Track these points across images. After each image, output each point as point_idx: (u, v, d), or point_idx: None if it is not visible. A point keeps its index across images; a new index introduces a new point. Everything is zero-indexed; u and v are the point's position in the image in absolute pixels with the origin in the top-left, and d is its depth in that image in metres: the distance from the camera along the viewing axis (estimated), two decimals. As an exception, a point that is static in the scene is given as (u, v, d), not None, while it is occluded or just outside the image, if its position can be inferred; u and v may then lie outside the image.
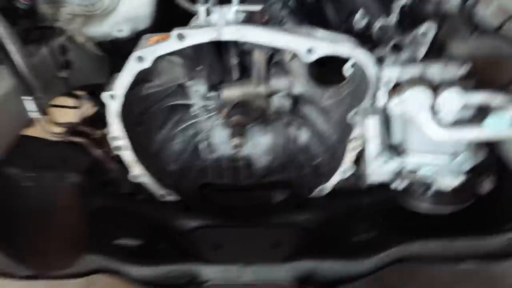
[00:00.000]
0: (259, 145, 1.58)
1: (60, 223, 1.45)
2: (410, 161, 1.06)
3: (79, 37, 1.80)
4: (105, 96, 1.17)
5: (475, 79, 1.07)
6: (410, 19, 1.49)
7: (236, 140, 1.25)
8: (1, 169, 1.42)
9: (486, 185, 1.15)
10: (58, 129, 1.53)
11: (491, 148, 1.17)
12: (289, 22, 1.43)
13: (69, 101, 1.83)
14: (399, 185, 1.10)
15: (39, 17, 1.71)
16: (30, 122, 1.46)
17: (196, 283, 1.41)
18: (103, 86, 1.59)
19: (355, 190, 1.47)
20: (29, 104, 1.39)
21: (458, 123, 0.94)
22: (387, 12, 1.68)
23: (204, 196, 1.56)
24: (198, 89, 1.33)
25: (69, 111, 1.85)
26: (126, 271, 1.38)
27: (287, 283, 1.38)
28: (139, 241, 1.43)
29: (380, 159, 1.04)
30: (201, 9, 1.02)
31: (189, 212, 1.46)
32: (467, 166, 1.02)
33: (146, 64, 1.09)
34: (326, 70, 1.36)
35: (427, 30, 1.18)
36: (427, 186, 1.06)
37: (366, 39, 1.28)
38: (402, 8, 1.51)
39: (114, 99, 1.17)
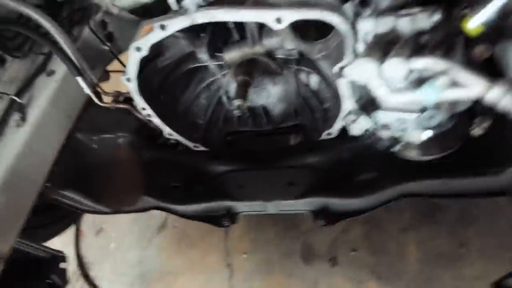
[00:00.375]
0: (272, 94, 1.69)
1: (123, 173, 1.85)
2: (382, 117, 1.10)
3: (114, 9, 2.01)
4: (122, 79, 1.40)
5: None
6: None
7: (236, 102, 1.40)
8: (73, 135, 1.83)
9: (478, 129, 1.14)
10: (109, 98, 1.85)
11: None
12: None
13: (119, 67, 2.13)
14: (372, 139, 1.16)
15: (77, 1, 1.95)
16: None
17: (230, 214, 1.73)
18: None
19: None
20: (81, 82, 1.71)
21: (420, 82, 0.95)
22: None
23: (230, 143, 1.79)
24: (200, 56, 1.47)
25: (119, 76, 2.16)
26: (175, 209, 1.75)
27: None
28: (182, 185, 1.77)
29: (350, 117, 1.11)
30: (170, 1, 1.13)
31: (216, 160, 1.72)
32: (435, 121, 1.03)
33: (144, 52, 1.27)
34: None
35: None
36: (395, 141, 1.10)
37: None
38: None
39: (130, 81, 1.40)
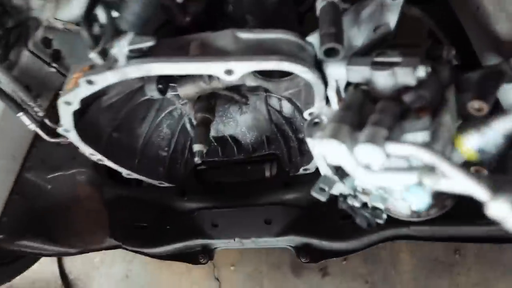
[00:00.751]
0: (240, 123, 1.49)
1: (84, 213, 1.68)
2: (360, 183, 0.92)
3: (57, 23, 1.74)
4: (59, 130, 1.19)
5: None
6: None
7: (196, 147, 1.21)
8: (22, 175, 1.63)
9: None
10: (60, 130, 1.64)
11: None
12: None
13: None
14: (346, 208, 0.98)
15: (14, 11, 1.67)
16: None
17: (207, 250, 1.58)
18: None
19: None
20: (24, 119, 1.49)
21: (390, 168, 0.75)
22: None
23: (199, 175, 1.60)
24: (151, 94, 1.26)
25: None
26: (143, 252, 1.59)
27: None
28: (149, 225, 1.60)
29: (320, 187, 0.93)
30: (92, 56, 0.90)
31: (185, 196, 1.55)
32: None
33: (75, 105, 1.06)
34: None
35: None
36: (379, 212, 0.93)
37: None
38: None
39: (68, 132, 1.19)
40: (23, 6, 1.64)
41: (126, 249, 1.65)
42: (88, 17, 0.88)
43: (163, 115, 1.53)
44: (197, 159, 1.22)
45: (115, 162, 1.39)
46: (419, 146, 0.66)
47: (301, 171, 1.38)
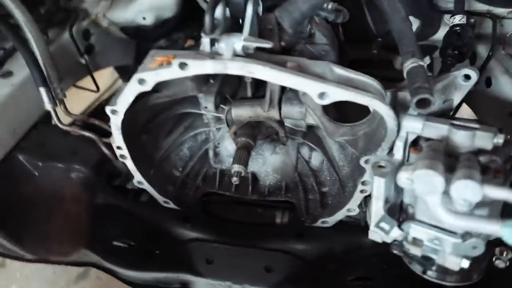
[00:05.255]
0: (268, 163, 1.51)
1: (63, 214, 1.49)
2: (415, 230, 0.96)
3: (103, 21, 1.75)
4: (107, 109, 1.13)
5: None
6: (457, 47, 1.33)
7: (236, 167, 1.19)
8: (13, 154, 1.45)
9: (501, 262, 1.03)
10: (71, 120, 1.54)
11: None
12: (318, 33, 1.31)
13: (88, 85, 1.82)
14: (399, 252, 1.01)
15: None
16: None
17: (185, 291, 1.43)
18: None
19: (360, 227, 1.40)
20: (44, 95, 1.38)
21: (473, 213, 0.82)
22: (433, 29, 1.51)
23: (206, 206, 1.53)
24: (206, 105, 1.26)
25: (86, 96, 1.85)
26: (118, 273, 1.41)
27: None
28: (136, 244, 1.45)
29: (380, 226, 0.95)
30: (205, 40, 0.93)
31: (187, 223, 1.45)
32: (477, 252, 0.91)
33: (148, 86, 1.03)
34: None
35: (469, 74, 1.04)
36: (429, 263, 0.96)
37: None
38: (452, 28, 1.34)
39: (115, 114, 1.13)
40: (76, -3, 1.66)
41: (96, 266, 1.45)
42: (215, 5, 0.92)
43: (188, 135, 1.51)
44: (235, 180, 1.19)
45: (136, 164, 1.31)
46: (515, 192, 0.73)
47: (319, 223, 1.38)
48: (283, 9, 0.89)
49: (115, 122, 1.16)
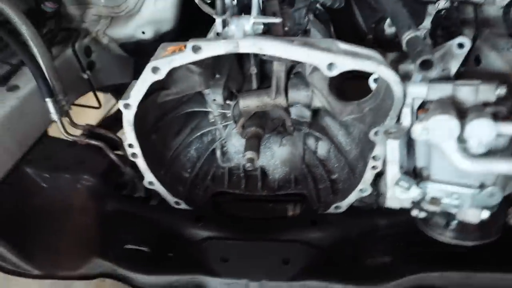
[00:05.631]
0: (276, 156, 1.53)
1: (72, 225, 1.46)
2: (433, 189, 0.98)
3: (104, 38, 1.81)
4: (120, 104, 1.16)
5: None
6: (445, 27, 1.42)
7: (249, 154, 1.21)
8: (20, 167, 1.44)
9: (516, 219, 1.05)
10: (77, 131, 1.54)
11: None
12: (313, 29, 1.38)
13: (91, 101, 1.85)
14: (419, 214, 1.02)
15: (65, 18, 1.73)
16: (51, 123, 1.49)
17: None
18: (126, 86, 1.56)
19: (374, 209, 1.41)
20: (50, 106, 1.41)
21: (489, 154, 0.86)
22: (420, 19, 1.62)
23: (217, 205, 1.53)
24: (215, 98, 1.30)
25: (91, 110, 1.87)
26: (133, 279, 1.37)
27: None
28: (149, 248, 1.42)
29: (398, 187, 0.97)
30: (217, 20, 0.99)
31: (199, 223, 1.43)
32: (495, 200, 0.94)
33: (161, 74, 1.07)
34: (348, 82, 1.30)
35: (462, 43, 1.11)
36: (450, 217, 0.98)
37: (396, 47, 1.21)
38: (438, 13, 1.44)
39: (128, 108, 1.15)
40: (77, 16, 1.73)
41: (110, 276, 1.41)
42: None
43: (195, 135, 1.53)
44: (249, 165, 1.20)
45: (147, 163, 1.32)
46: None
47: (332, 209, 1.39)
48: None
49: (128, 117, 1.18)
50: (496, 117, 0.90)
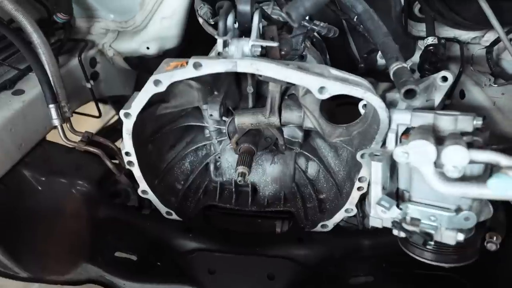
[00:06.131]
0: (267, 173, 1.59)
1: (64, 229, 1.49)
2: (413, 210, 1.04)
3: (109, 51, 1.89)
4: (121, 113, 1.21)
5: (490, 132, 1.05)
6: (432, 62, 1.51)
7: (241, 169, 1.26)
8: (18, 169, 1.48)
9: (492, 245, 1.11)
10: (76, 137, 1.59)
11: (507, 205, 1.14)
12: (309, 55, 1.47)
13: (92, 111, 1.91)
14: (399, 233, 1.07)
15: (74, 30, 1.82)
16: (52, 128, 1.54)
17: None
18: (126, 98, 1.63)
19: (359, 230, 1.46)
20: (53, 112, 1.46)
21: (463, 178, 0.92)
22: (409, 53, 1.72)
23: (207, 218, 1.57)
24: (211, 113, 1.36)
25: (90, 120, 1.93)
26: (120, 285, 1.39)
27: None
28: (138, 257, 1.45)
29: (380, 207, 1.03)
30: (219, 41, 1.06)
31: (189, 234, 1.47)
32: (470, 224, 0.99)
33: (162, 87, 1.13)
34: (339, 107, 1.37)
35: (446, 76, 1.18)
36: (429, 237, 1.03)
37: (388, 78, 1.29)
38: (426, 49, 1.53)
39: (128, 118, 1.21)
40: (85, 28, 1.81)
41: (97, 282, 1.43)
42: (227, 12, 1.06)
43: (190, 149, 1.59)
44: (240, 179, 1.26)
45: (142, 172, 1.37)
46: (498, 153, 0.84)
47: (318, 227, 1.43)
48: (291, 5, 1.04)
49: (127, 126, 1.24)
50: (471, 145, 0.97)
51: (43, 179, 1.51)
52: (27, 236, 1.46)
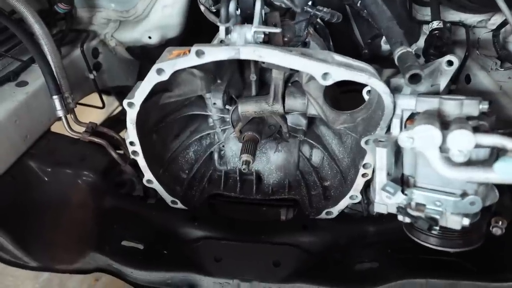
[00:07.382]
0: (271, 161, 1.58)
1: (71, 219, 1.50)
2: (418, 195, 1.03)
3: (111, 41, 1.88)
4: (124, 103, 1.21)
5: (496, 116, 1.04)
6: (437, 47, 1.49)
7: (245, 157, 1.27)
8: (24, 160, 1.49)
9: (498, 229, 1.10)
10: (81, 128, 1.60)
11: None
12: (312, 42, 1.45)
13: (95, 102, 1.91)
14: (404, 218, 1.07)
15: (75, 20, 1.81)
16: (57, 119, 1.55)
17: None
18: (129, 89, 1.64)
19: (363, 217, 1.46)
20: (57, 103, 1.47)
21: (469, 162, 0.92)
22: (414, 38, 1.69)
23: (212, 207, 1.58)
24: (215, 102, 1.35)
25: (94, 111, 1.93)
26: (127, 274, 1.41)
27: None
28: (144, 245, 1.46)
29: (385, 192, 1.02)
30: (221, 28, 1.05)
31: (194, 222, 1.48)
32: (475, 208, 0.98)
33: (165, 76, 1.13)
34: (343, 94, 1.36)
35: (451, 60, 1.17)
36: (434, 222, 1.03)
37: (392, 64, 1.28)
38: (431, 33, 1.51)
39: (132, 107, 1.21)
40: (87, 18, 1.80)
41: (104, 270, 1.45)
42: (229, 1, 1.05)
43: (194, 138, 1.59)
44: (244, 167, 1.26)
45: (146, 161, 1.37)
46: (504, 137, 0.83)
47: (323, 214, 1.44)
48: None
49: (131, 116, 1.24)
50: (477, 130, 0.96)
51: (49, 170, 1.52)
52: (36, 226, 1.47)
